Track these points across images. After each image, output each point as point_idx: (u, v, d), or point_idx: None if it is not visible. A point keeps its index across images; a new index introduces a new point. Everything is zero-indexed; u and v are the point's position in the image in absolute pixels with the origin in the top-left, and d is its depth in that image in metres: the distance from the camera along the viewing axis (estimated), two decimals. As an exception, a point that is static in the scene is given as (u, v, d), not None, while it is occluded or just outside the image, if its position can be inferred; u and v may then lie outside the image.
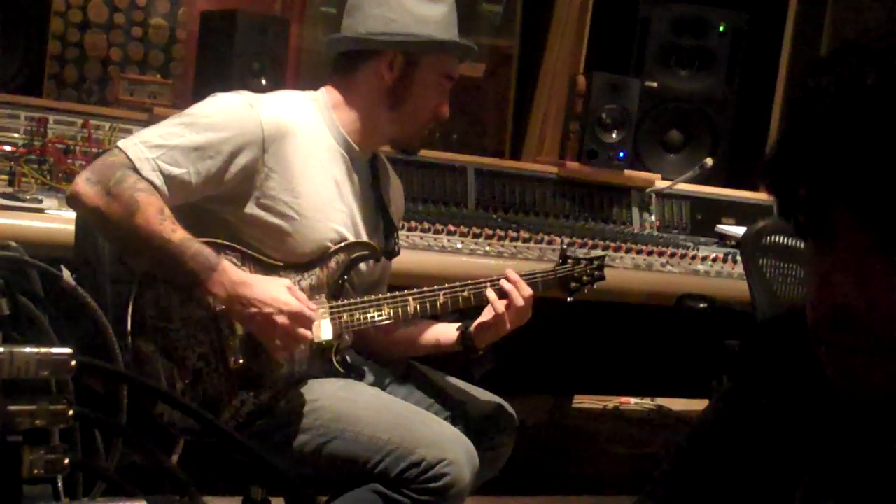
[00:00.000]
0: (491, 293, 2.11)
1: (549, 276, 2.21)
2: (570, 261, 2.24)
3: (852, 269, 0.77)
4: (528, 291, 2.11)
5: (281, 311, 1.88)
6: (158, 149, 1.89)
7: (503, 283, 2.11)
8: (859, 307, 0.77)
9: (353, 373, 2.08)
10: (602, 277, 2.28)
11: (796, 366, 0.93)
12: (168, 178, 1.88)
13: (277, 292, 1.89)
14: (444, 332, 2.20)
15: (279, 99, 2.07)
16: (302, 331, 1.90)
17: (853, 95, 0.76)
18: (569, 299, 2.21)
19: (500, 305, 2.09)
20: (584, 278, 2.24)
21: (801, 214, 0.82)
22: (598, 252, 3.03)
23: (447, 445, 1.94)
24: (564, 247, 2.41)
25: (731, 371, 1.06)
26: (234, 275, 1.88)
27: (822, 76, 0.80)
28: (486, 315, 2.12)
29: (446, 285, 2.11)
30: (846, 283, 0.78)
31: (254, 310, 1.88)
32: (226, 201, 1.99)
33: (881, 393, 0.80)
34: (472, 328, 2.15)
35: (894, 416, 0.83)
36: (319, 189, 2.04)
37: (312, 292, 2.02)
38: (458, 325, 2.19)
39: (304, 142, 2.02)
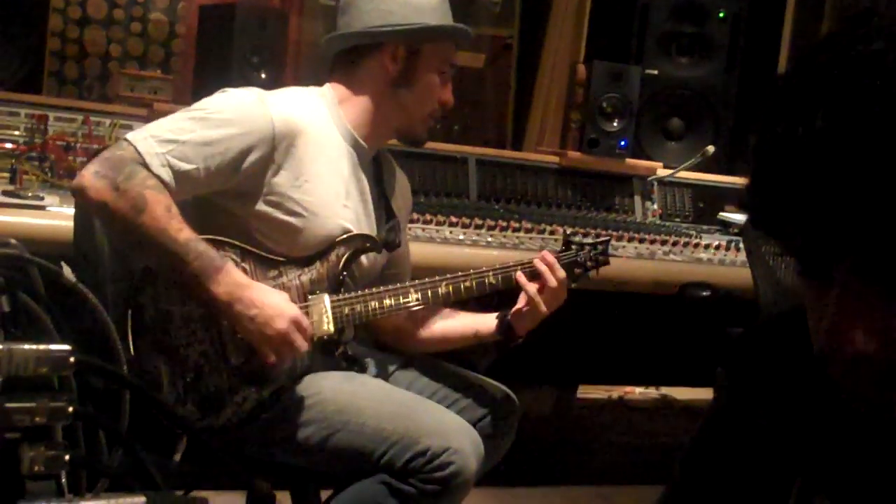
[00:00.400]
0: (521, 277, 2.11)
1: None
2: (573, 246, 2.24)
3: (860, 317, 0.73)
4: (561, 273, 2.12)
5: (281, 315, 1.88)
6: (169, 144, 1.89)
7: (537, 263, 2.11)
8: (876, 352, 0.73)
9: (356, 366, 2.09)
10: (606, 262, 2.26)
11: (790, 368, 0.92)
12: (177, 174, 1.88)
13: (279, 298, 1.91)
14: (483, 322, 2.20)
15: (289, 96, 2.07)
16: (298, 339, 1.91)
17: (842, 132, 0.69)
18: (573, 285, 2.21)
19: (533, 288, 2.10)
20: (588, 263, 2.24)
21: (793, 257, 0.79)
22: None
23: (452, 434, 1.94)
24: (568, 233, 2.41)
25: (724, 375, 1.05)
26: (237, 276, 1.88)
27: (801, 108, 0.73)
28: (522, 301, 2.12)
29: (448, 275, 2.11)
30: (855, 331, 0.73)
31: (254, 311, 1.88)
32: (234, 196, 1.99)
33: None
34: (510, 316, 2.15)
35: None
36: (327, 186, 2.04)
37: (313, 286, 2.02)
38: (496, 314, 2.19)
39: (313, 139, 2.03)
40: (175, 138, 1.90)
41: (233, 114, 1.95)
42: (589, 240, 2.30)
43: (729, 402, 0.99)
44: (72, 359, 0.70)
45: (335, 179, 2.06)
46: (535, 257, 2.13)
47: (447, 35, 2.15)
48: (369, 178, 2.16)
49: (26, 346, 0.69)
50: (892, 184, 0.68)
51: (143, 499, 0.72)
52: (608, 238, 2.35)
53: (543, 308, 2.11)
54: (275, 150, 1.96)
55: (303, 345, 1.92)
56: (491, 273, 2.12)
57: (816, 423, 0.88)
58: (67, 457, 0.71)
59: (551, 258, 2.12)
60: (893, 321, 0.72)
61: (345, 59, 2.14)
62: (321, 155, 2.04)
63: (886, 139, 0.68)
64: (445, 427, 1.95)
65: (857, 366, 0.75)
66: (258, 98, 1.98)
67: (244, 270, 1.98)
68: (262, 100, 1.98)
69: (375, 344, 2.26)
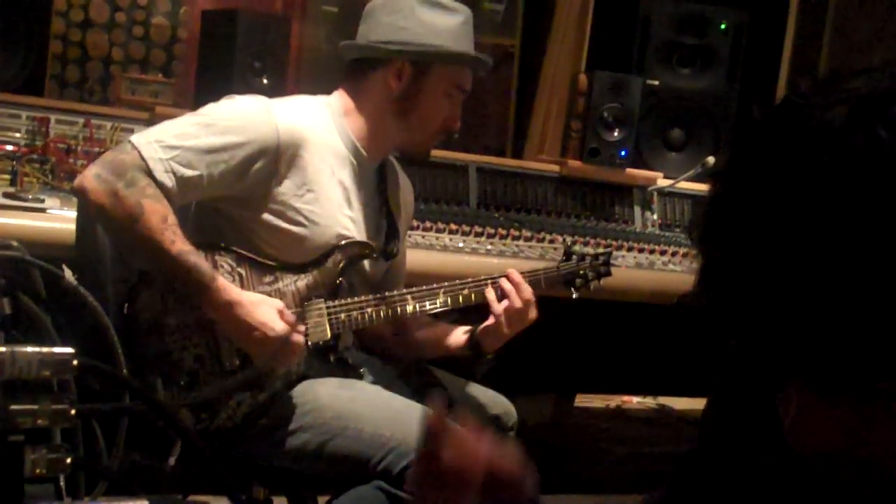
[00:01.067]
0: (490, 293, 2.09)
1: (552, 273, 2.20)
2: (574, 257, 2.23)
3: (818, 424, 0.73)
4: (527, 294, 2.09)
5: (268, 336, 1.88)
6: (173, 149, 1.89)
7: (503, 282, 2.10)
8: (837, 449, 0.74)
9: (353, 373, 2.09)
10: (608, 273, 2.25)
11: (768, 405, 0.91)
12: (180, 180, 1.88)
13: (266, 316, 1.89)
14: (454, 336, 2.19)
15: (295, 105, 2.07)
16: (286, 356, 1.92)
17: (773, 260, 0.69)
18: (574, 296, 2.20)
19: (499, 307, 2.09)
20: (590, 274, 2.23)
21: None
22: (601, 251, 3.03)
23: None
24: (568, 244, 2.40)
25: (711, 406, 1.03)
26: (226, 294, 1.88)
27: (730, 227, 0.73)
28: (491, 318, 2.11)
29: (446, 284, 2.11)
30: (816, 436, 0.73)
31: (242, 331, 1.89)
32: (236, 203, 1.99)
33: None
34: (478, 332, 2.14)
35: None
36: (330, 196, 2.04)
37: (309, 292, 2.02)
38: (467, 328, 2.18)
39: (317, 149, 2.03)
40: (180, 144, 1.89)
41: (239, 121, 1.95)
42: (590, 251, 2.30)
43: (715, 435, 0.98)
44: (74, 362, 0.70)
45: (337, 189, 2.06)
46: (502, 275, 2.11)
47: (457, 60, 2.12)
48: (372, 188, 2.16)
49: (29, 349, 0.69)
50: (834, 301, 0.66)
51: (144, 502, 0.71)
52: (610, 250, 2.34)
53: (505, 328, 2.09)
54: (279, 159, 1.96)
55: (291, 361, 1.94)
56: (490, 281, 2.12)
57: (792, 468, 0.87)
58: (69, 459, 0.71)
59: (517, 277, 2.10)
60: (850, 422, 0.71)
61: (355, 69, 2.13)
62: (324, 165, 2.04)
63: (826, 259, 0.65)
64: (444, 435, 1.95)
65: (821, 460, 0.74)
66: (264, 107, 1.98)
67: (240, 275, 1.98)
68: (268, 109, 1.98)
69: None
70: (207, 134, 1.92)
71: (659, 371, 3.81)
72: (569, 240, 3.08)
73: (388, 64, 2.08)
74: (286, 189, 1.98)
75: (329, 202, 2.03)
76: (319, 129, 2.05)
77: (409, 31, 2.07)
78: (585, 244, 3.11)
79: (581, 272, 2.22)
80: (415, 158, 2.19)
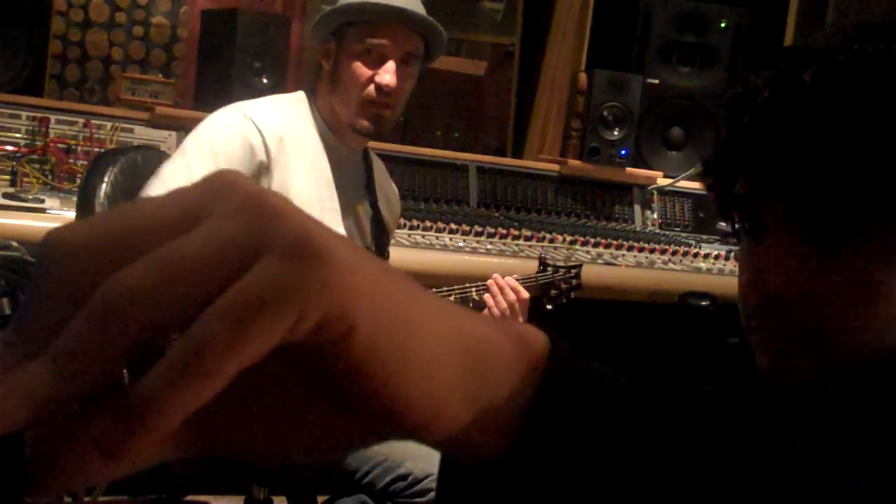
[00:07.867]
0: (489, 299, 2.11)
1: (530, 283, 2.21)
2: (549, 268, 2.25)
3: (783, 260, 0.78)
4: (511, 297, 2.10)
5: None
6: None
7: (487, 296, 2.11)
8: (789, 297, 0.78)
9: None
10: (579, 286, 2.29)
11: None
12: None
13: None
14: None
15: (268, 105, 2.08)
16: None
17: (789, 90, 0.76)
18: (548, 307, 2.22)
19: (496, 311, 2.10)
20: (563, 286, 2.25)
21: (737, 211, 0.84)
22: (601, 250, 3.03)
23: (436, 460, 1.92)
24: (544, 255, 2.40)
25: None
26: None
27: (761, 72, 0.80)
28: None
29: (432, 290, 2.11)
30: (777, 273, 0.79)
31: None
32: None
33: (808, 381, 0.80)
34: None
35: (821, 408, 0.82)
36: (313, 187, 2.05)
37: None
38: None
39: (297, 143, 2.04)
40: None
41: (224, 143, 1.96)
42: (562, 263, 2.32)
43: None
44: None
45: (319, 180, 2.06)
46: (484, 283, 2.12)
47: (349, 15, 2.04)
48: (356, 180, 2.16)
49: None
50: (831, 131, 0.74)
51: (144, 502, 0.71)
52: (580, 263, 2.37)
53: None
54: (268, 156, 1.99)
55: None
56: (474, 290, 2.13)
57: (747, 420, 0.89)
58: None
59: (501, 281, 2.11)
60: (812, 265, 0.77)
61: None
62: (304, 156, 2.05)
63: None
64: (430, 452, 1.93)
65: (772, 307, 0.79)
66: (241, 114, 2.00)
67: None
68: (245, 114, 2.00)
69: None
70: (199, 166, 1.90)
71: (658, 370, 3.81)
72: (568, 239, 3.09)
73: (323, 48, 2.09)
74: (273, 183, 2.00)
75: (313, 192, 2.04)
76: (295, 124, 2.06)
77: (333, 7, 2.06)
78: (585, 244, 3.11)
79: (556, 283, 2.24)
80: (359, 132, 2.08)
